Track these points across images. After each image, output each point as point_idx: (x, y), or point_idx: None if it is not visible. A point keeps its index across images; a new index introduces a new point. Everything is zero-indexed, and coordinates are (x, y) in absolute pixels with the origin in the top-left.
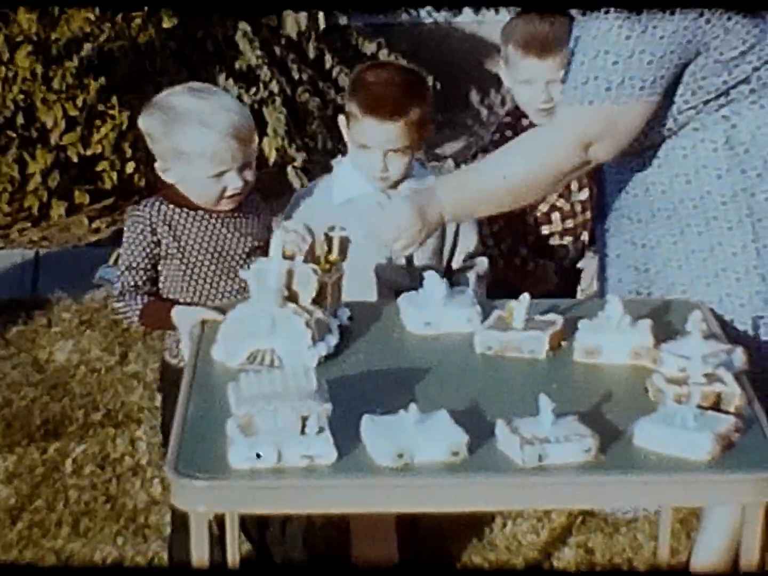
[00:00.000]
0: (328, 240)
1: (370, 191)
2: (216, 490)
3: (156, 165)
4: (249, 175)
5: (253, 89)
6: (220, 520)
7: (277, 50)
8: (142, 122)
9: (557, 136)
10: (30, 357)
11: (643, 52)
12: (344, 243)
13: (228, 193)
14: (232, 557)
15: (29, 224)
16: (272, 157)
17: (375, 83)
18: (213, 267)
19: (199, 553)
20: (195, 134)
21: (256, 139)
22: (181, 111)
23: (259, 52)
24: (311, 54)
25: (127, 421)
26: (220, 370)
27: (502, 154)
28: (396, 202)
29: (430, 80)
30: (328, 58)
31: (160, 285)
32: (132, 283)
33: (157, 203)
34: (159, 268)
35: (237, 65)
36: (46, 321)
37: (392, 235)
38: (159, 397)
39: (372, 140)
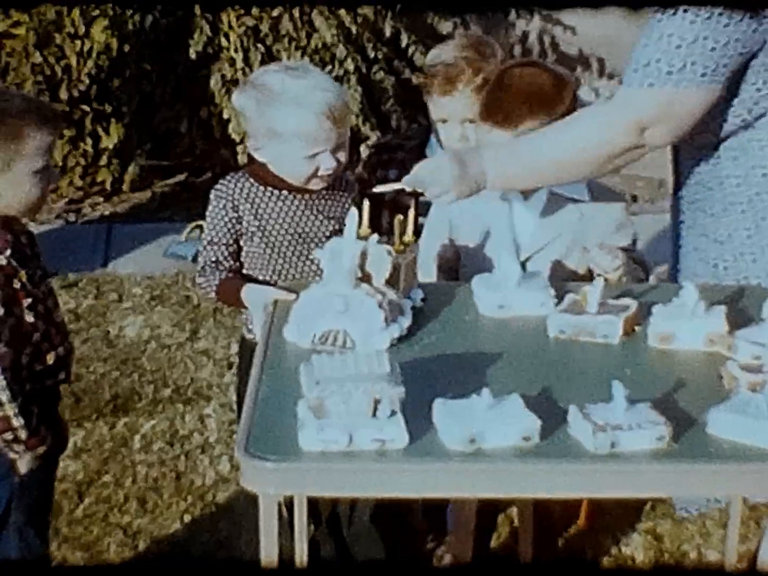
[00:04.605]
0: (403, 221)
1: None
2: (286, 473)
3: (248, 143)
4: (342, 155)
5: (329, 67)
6: (289, 503)
7: (353, 28)
8: (237, 100)
9: (614, 117)
10: (100, 332)
11: (707, 39)
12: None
13: (321, 173)
14: (300, 539)
15: (101, 199)
16: None
17: (497, 86)
18: (293, 248)
19: (268, 536)
20: (291, 114)
21: (351, 119)
22: (277, 90)
23: (334, 30)
24: (387, 32)
25: (197, 397)
26: (292, 350)
27: (555, 129)
28: (439, 152)
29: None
30: (404, 36)
31: (242, 261)
32: (213, 258)
33: (242, 180)
34: (241, 244)
35: (312, 43)
36: (116, 296)
37: (428, 179)
38: (227, 374)
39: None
